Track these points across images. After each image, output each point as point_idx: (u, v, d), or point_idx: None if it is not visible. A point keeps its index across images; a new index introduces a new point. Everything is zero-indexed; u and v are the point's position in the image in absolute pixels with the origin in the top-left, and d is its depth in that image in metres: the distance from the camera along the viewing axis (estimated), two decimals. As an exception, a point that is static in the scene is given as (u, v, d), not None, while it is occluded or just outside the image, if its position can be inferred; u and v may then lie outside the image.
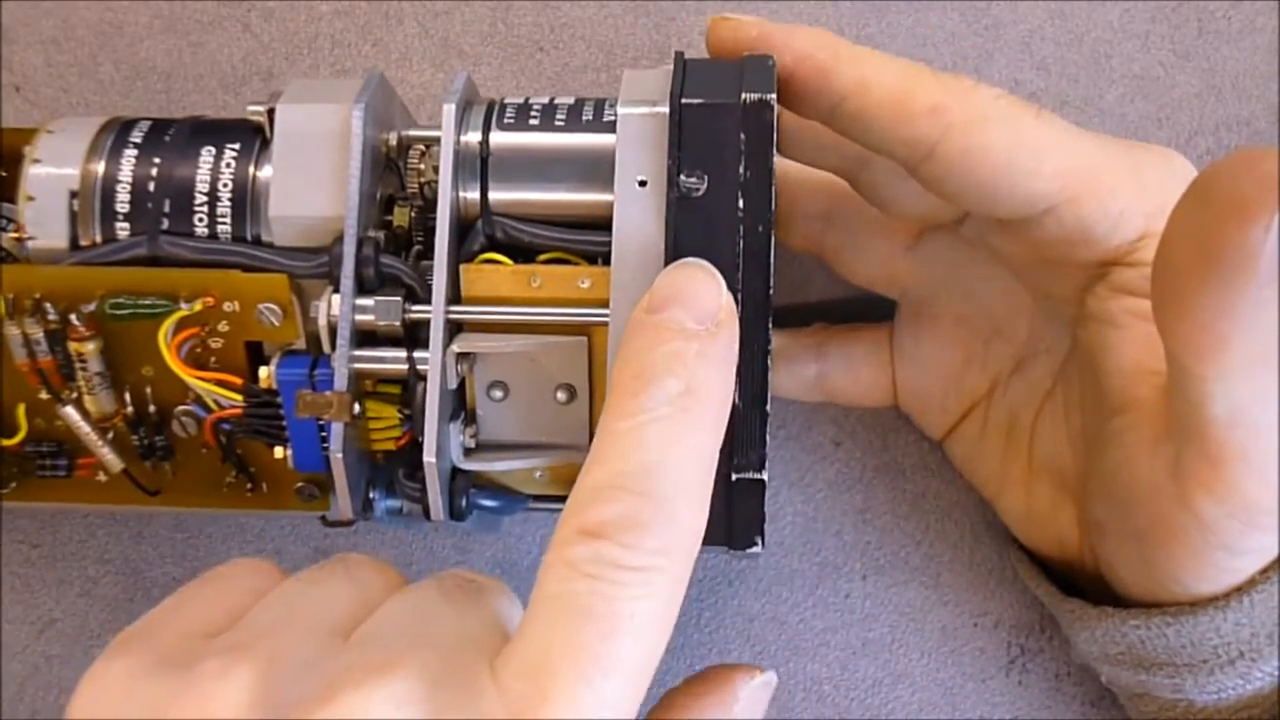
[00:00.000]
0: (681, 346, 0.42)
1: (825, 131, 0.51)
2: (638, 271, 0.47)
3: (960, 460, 0.61)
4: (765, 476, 0.47)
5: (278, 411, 0.52)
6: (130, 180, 0.52)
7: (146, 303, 0.51)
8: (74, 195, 0.52)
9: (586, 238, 0.50)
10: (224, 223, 0.52)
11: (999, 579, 0.63)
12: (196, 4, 0.66)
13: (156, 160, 0.52)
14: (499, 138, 0.51)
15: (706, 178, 0.47)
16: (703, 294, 0.44)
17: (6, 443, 0.54)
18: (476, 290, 0.51)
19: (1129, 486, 0.50)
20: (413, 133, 0.53)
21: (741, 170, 0.47)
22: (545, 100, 0.52)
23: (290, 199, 0.51)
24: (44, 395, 0.53)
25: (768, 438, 0.47)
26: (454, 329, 0.51)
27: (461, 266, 0.51)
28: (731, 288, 0.46)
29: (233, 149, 0.52)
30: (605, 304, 0.48)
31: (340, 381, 0.50)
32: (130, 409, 0.53)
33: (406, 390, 0.52)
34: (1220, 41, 0.64)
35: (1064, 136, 0.49)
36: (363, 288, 0.51)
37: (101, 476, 0.55)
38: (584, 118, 0.51)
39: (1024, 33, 0.64)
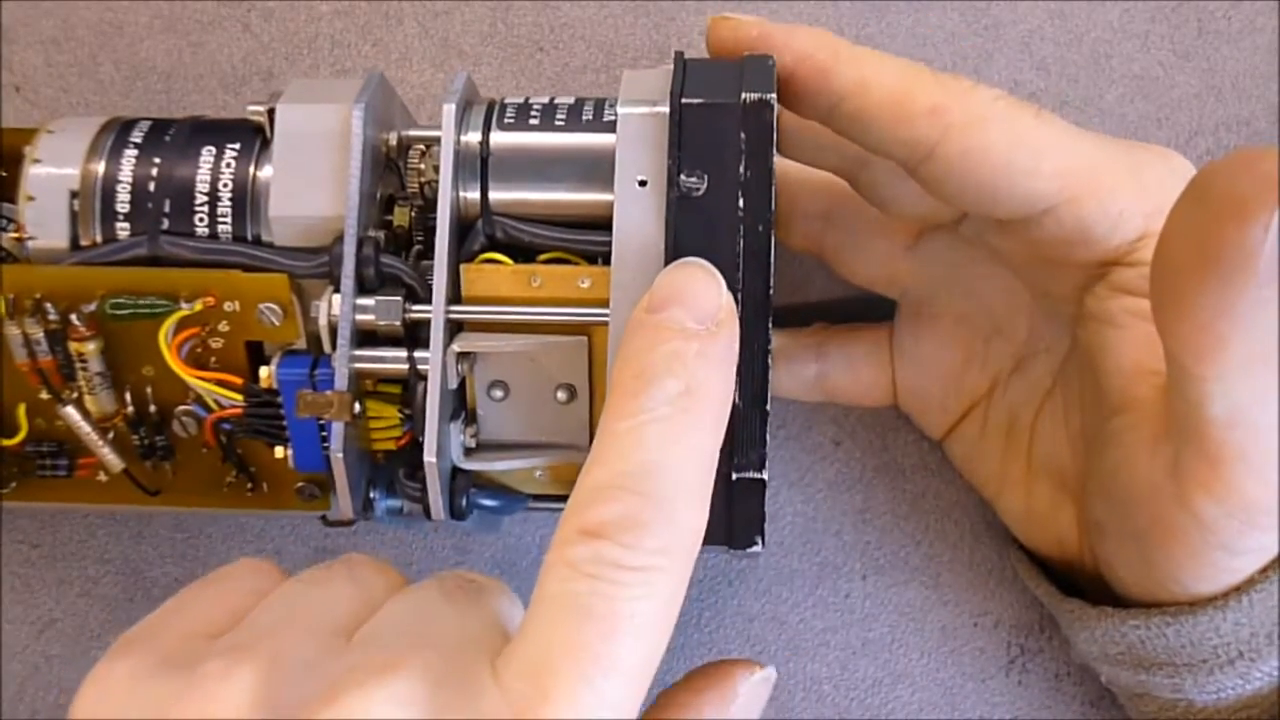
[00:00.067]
0: (681, 346, 0.42)
1: (825, 131, 0.51)
2: (638, 271, 0.47)
3: (960, 460, 0.61)
4: (765, 476, 0.47)
5: (278, 411, 0.52)
6: (130, 180, 0.52)
7: (147, 303, 0.51)
8: (74, 195, 0.52)
9: (587, 237, 0.51)
10: (224, 222, 0.52)
11: (999, 579, 0.63)
12: (196, 4, 0.66)
13: (157, 160, 0.52)
14: (499, 137, 0.51)
15: (706, 177, 0.47)
16: (702, 294, 0.44)
17: (7, 443, 0.54)
18: (477, 290, 0.51)
19: (1128, 486, 0.50)
20: (413, 133, 0.53)
21: (741, 170, 0.47)
22: (545, 100, 0.52)
23: (290, 199, 0.51)
24: (44, 395, 0.53)
25: (768, 437, 0.47)
26: (454, 329, 0.51)
27: (462, 266, 0.51)
28: (732, 287, 0.46)
29: (233, 149, 0.52)
30: (605, 304, 0.48)
31: (341, 381, 0.50)
32: (131, 409, 0.53)
33: (407, 390, 0.52)
34: (1220, 41, 0.64)
35: (1063, 137, 0.49)
36: (363, 287, 0.51)
37: (102, 476, 0.55)
38: (584, 117, 0.52)
39: (1024, 33, 0.64)
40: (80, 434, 0.53)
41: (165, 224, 0.52)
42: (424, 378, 0.50)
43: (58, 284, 0.51)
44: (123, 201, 0.52)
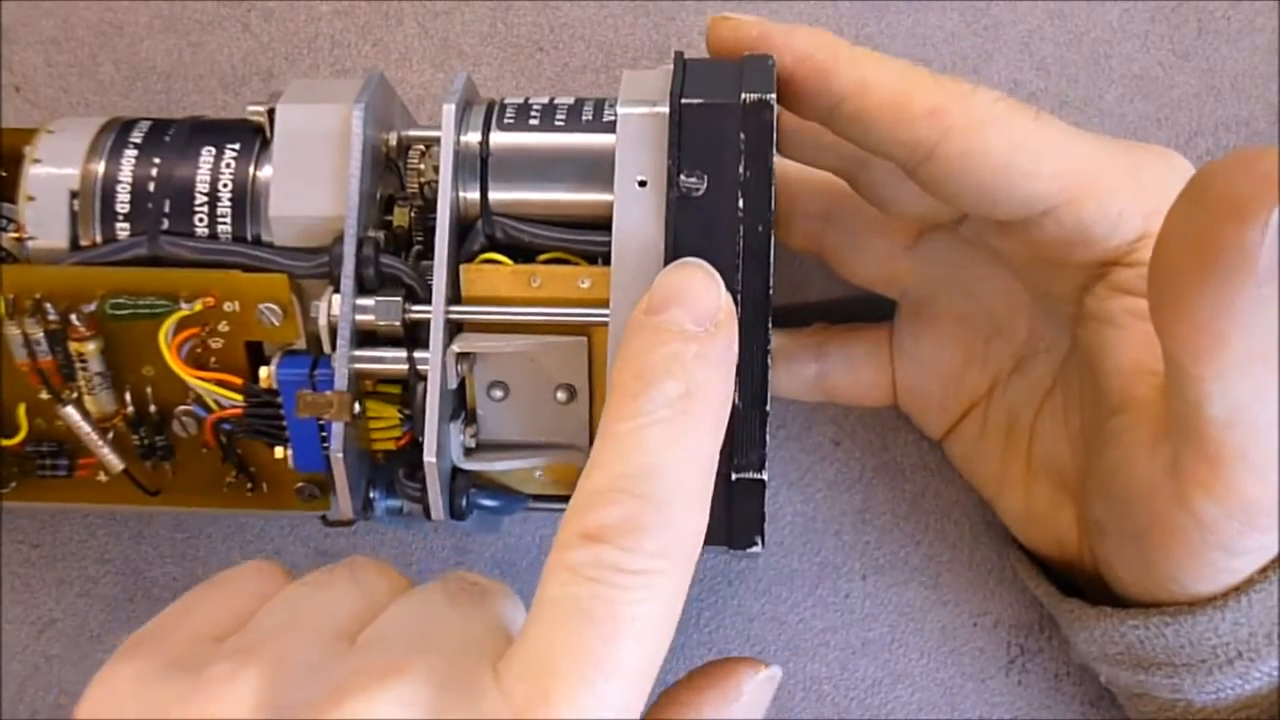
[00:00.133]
0: (680, 348, 0.42)
1: (824, 132, 0.51)
2: (637, 271, 0.47)
3: (960, 460, 0.61)
4: (765, 476, 0.47)
5: (278, 411, 0.52)
6: (130, 180, 0.52)
7: (147, 303, 0.51)
8: (74, 195, 0.52)
9: (586, 238, 0.50)
10: (224, 223, 0.52)
11: (998, 579, 0.63)
12: (196, 4, 0.66)
13: (156, 160, 0.52)
14: (499, 138, 0.51)
15: (706, 178, 0.47)
16: (701, 295, 0.44)
17: (7, 443, 0.54)
18: (476, 290, 0.51)
19: (1128, 486, 0.50)
20: (413, 133, 0.53)
21: (741, 170, 0.47)
22: (545, 100, 0.52)
23: (290, 199, 0.51)
24: (44, 395, 0.53)
25: (767, 438, 0.47)
26: (454, 329, 0.51)
27: (461, 266, 0.51)
28: (731, 288, 0.46)
29: (233, 149, 0.52)
30: (605, 304, 0.48)
31: (340, 381, 0.50)
32: (130, 409, 0.53)
33: (407, 390, 0.52)
34: (1220, 42, 0.64)
35: (1062, 138, 0.49)
36: (363, 288, 0.51)
37: (102, 476, 0.55)
38: (584, 118, 0.51)
39: (1023, 33, 0.64)
40: (80, 434, 0.53)
41: (165, 224, 0.52)
42: (424, 378, 0.50)
43: (58, 284, 0.51)
44: (123, 201, 0.52)
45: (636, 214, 0.48)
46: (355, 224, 0.50)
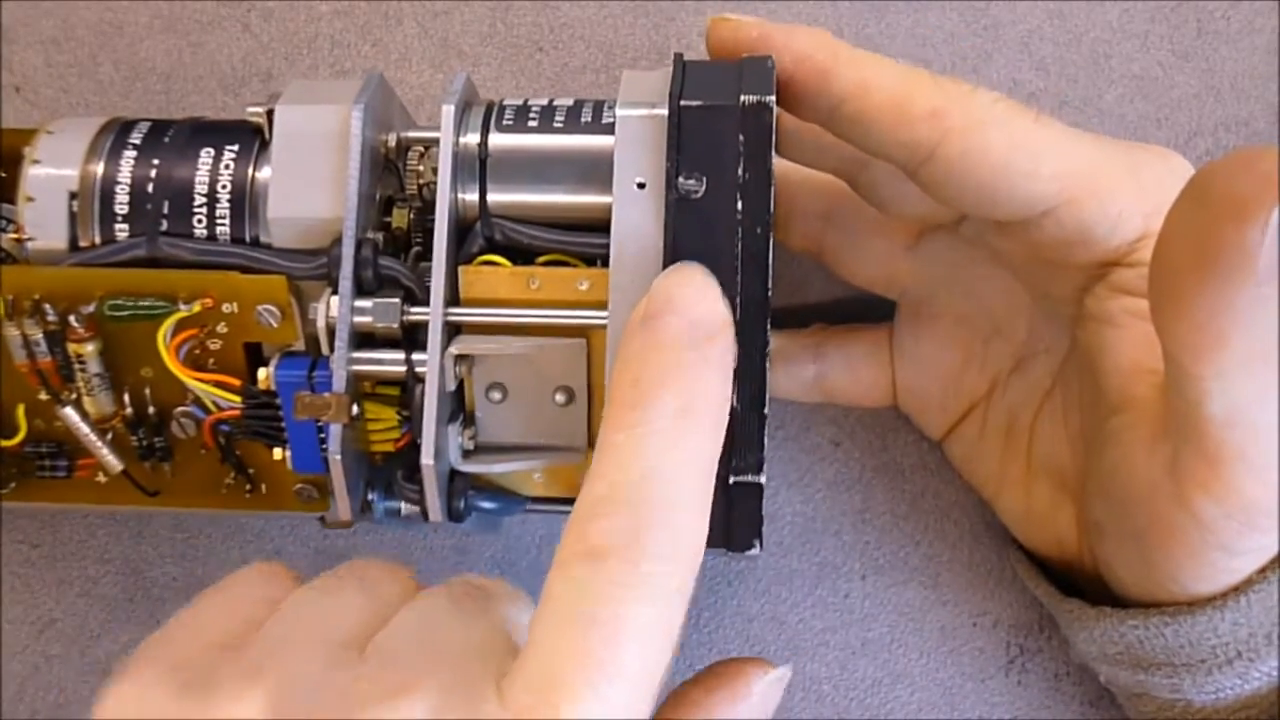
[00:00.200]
0: (677, 355, 0.42)
1: (824, 133, 0.51)
2: (636, 274, 0.47)
3: (959, 460, 0.61)
4: (763, 479, 0.47)
5: (276, 413, 0.52)
6: (129, 181, 0.52)
7: (145, 304, 0.51)
8: (73, 196, 0.52)
9: (585, 240, 0.51)
10: (223, 224, 0.52)
11: (998, 579, 0.63)
12: (196, 4, 0.66)
13: (155, 161, 0.52)
14: (498, 139, 0.51)
15: (705, 180, 0.47)
16: (698, 300, 0.44)
17: (6, 443, 0.54)
18: (475, 292, 0.51)
19: (1127, 486, 0.50)
20: (412, 134, 0.53)
21: (740, 172, 0.46)
22: (544, 102, 0.52)
23: (289, 200, 0.51)
24: (43, 396, 0.53)
25: (766, 440, 0.47)
26: (452, 331, 0.51)
27: (460, 268, 0.51)
28: (730, 290, 0.46)
29: (231, 150, 0.52)
30: (604, 306, 0.48)
31: (338, 383, 0.50)
32: (129, 410, 0.53)
33: (405, 392, 0.52)
34: (1219, 42, 0.64)
35: (1062, 139, 0.49)
36: (361, 289, 0.50)
37: (101, 477, 0.55)
38: (583, 119, 0.51)
39: (1023, 33, 0.64)
40: (79, 435, 0.53)
41: (164, 225, 0.52)
42: (422, 380, 0.50)
43: (56, 285, 0.51)
44: (121, 203, 0.52)
45: (635, 216, 0.48)
46: (354, 225, 0.50)
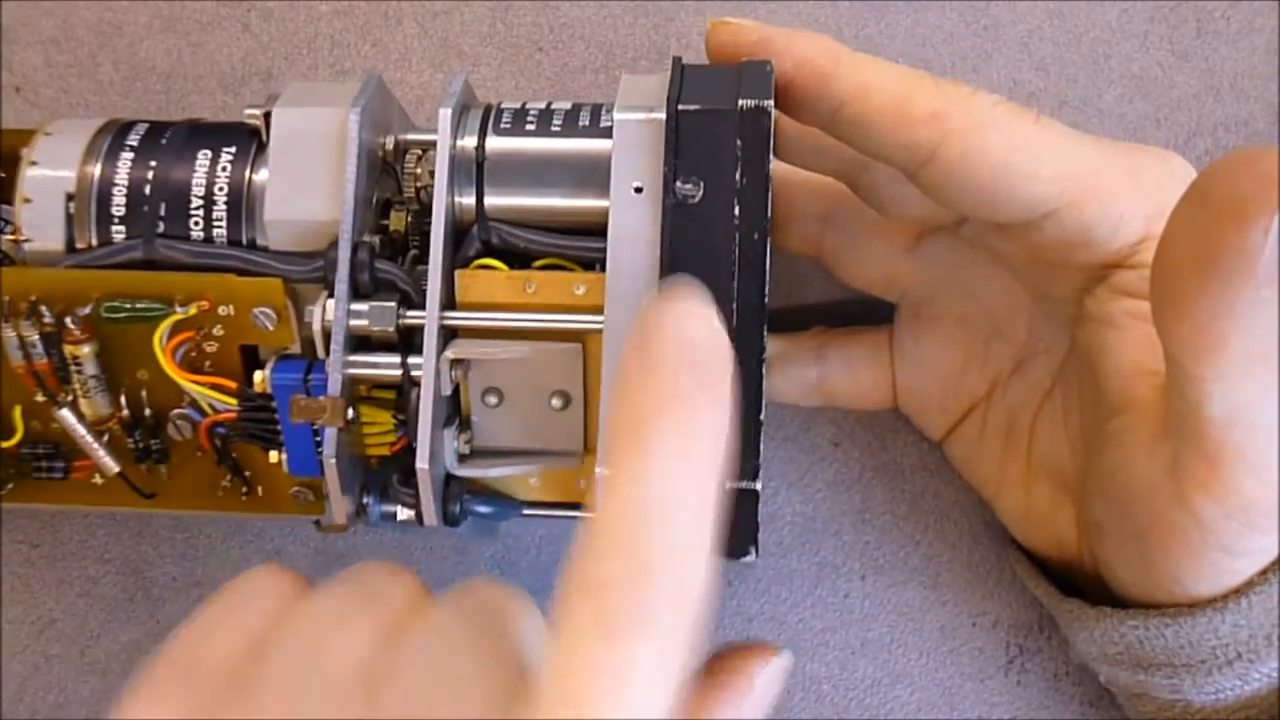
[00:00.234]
0: (674, 383, 0.40)
1: (824, 136, 0.51)
2: (633, 278, 0.47)
3: (959, 461, 0.61)
4: (759, 486, 0.47)
5: (272, 416, 0.52)
6: (126, 183, 0.52)
7: (142, 306, 0.51)
8: (70, 198, 0.52)
9: (582, 244, 0.51)
10: (219, 226, 0.52)
11: (998, 579, 0.63)
12: (196, 4, 0.66)
13: (153, 163, 0.52)
14: (495, 143, 0.51)
15: (702, 184, 0.47)
16: (694, 327, 0.42)
17: (3, 445, 0.54)
18: (471, 296, 0.51)
19: (1127, 487, 0.50)
20: (410, 136, 0.53)
21: (738, 177, 0.46)
22: (541, 105, 0.52)
23: (286, 203, 0.51)
24: (40, 398, 0.53)
25: (762, 447, 0.47)
26: (449, 335, 0.51)
27: (457, 272, 0.51)
28: (726, 296, 0.46)
29: (229, 152, 0.52)
30: (600, 310, 0.48)
31: (334, 386, 0.50)
32: (126, 412, 0.53)
33: (401, 396, 0.52)
34: (1219, 42, 0.64)
35: (1062, 141, 0.49)
36: (358, 292, 0.50)
37: (98, 479, 0.55)
38: (580, 123, 0.51)
39: (1023, 33, 0.64)
40: (75, 437, 0.53)
41: (161, 227, 0.52)
42: (418, 384, 0.50)
43: (53, 286, 0.51)
44: (118, 204, 0.52)
45: (632, 220, 0.48)
46: (350, 228, 0.50)
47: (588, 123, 0.51)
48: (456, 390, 0.52)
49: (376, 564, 0.46)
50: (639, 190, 0.48)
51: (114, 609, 0.64)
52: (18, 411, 0.54)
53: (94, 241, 0.52)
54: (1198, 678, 0.51)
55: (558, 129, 0.51)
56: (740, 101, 0.46)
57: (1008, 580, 0.63)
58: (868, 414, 0.64)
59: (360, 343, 0.51)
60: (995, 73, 0.64)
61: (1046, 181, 0.48)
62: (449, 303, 0.51)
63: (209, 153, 0.52)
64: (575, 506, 0.55)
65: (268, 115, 0.52)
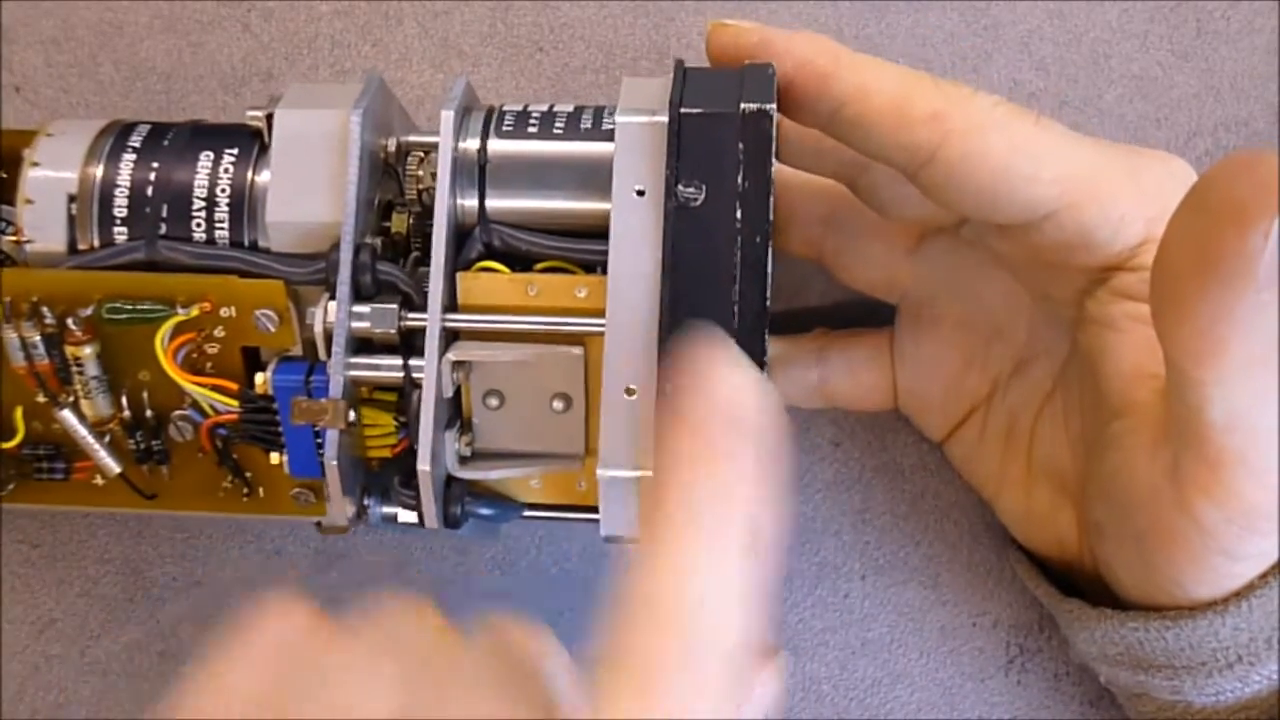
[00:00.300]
0: (711, 445, 0.39)
1: (824, 137, 0.51)
2: (634, 281, 0.47)
3: (960, 462, 0.61)
4: None
5: (274, 417, 0.52)
6: (128, 184, 0.52)
7: (143, 307, 0.51)
8: (72, 199, 0.52)
9: (584, 247, 0.51)
10: (221, 228, 0.52)
11: (998, 579, 0.63)
12: (196, 4, 0.66)
13: (155, 164, 0.52)
14: (497, 145, 0.51)
15: (705, 188, 0.47)
16: (731, 386, 0.39)
17: (5, 445, 0.54)
18: (473, 298, 0.51)
19: (1128, 489, 0.50)
20: (411, 138, 0.53)
21: (740, 180, 0.46)
22: (544, 108, 0.52)
23: (288, 204, 0.51)
24: (41, 399, 0.53)
25: None
26: (450, 337, 0.51)
27: (458, 274, 0.51)
28: (728, 298, 0.46)
29: (231, 154, 0.52)
30: (602, 314, 0.48)
31: (336, 388, 0.50)
32: (127, 413, 0.53)
33: (402, 398, 0.52)
34: (1219, 42, 0.64)
35: (1063, 142, 0.49)
36: (359, 294, 0.51)
37: (99, 480, 0.55)
38: (582, 126, 0.51)
39: (1023, 33, 0.64)
40: (76, 438, 0.53)
41: (163, 228, 0.52)
42: (419, 386, 0.50)
43: (55, 287, 0.51)
44: (120, 205, 0.52)
45: (634, 223, 0.48)
46: (352, 230, 0.50)
47: (590, 125, 0.51)
48: (458, 392, 0.52)
49: (399, 601, 0.44)
50: (641, 193, 0.48)
51: (114, 609, 0.64)
52: (19, 412, 0.53)
53: (96, 243, 0.52)
54: (1198, 679, 0.51)
55: (560, 131, 0.51)
56: (742, 105, 0.46)
57: (1008, 580, 0.63)
58: (868, 414, 0.64)
59: (362, 345, 0.51)
60: (995, 73, 0.64)
61: (1047, 183, 0.48)
62: (451, 305, 0.51)
63: (211, 154, 0.52)
64: (576, 508, 0.55)
65: (270, 117, 0.52)
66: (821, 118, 0.50)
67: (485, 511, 0.53)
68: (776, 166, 0.47)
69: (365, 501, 0.53)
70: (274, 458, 0.53)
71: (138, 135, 0.53)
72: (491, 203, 0.51)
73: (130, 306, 0.51)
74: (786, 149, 0.54)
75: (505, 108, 0.52)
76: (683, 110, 0.47)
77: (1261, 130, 0.63)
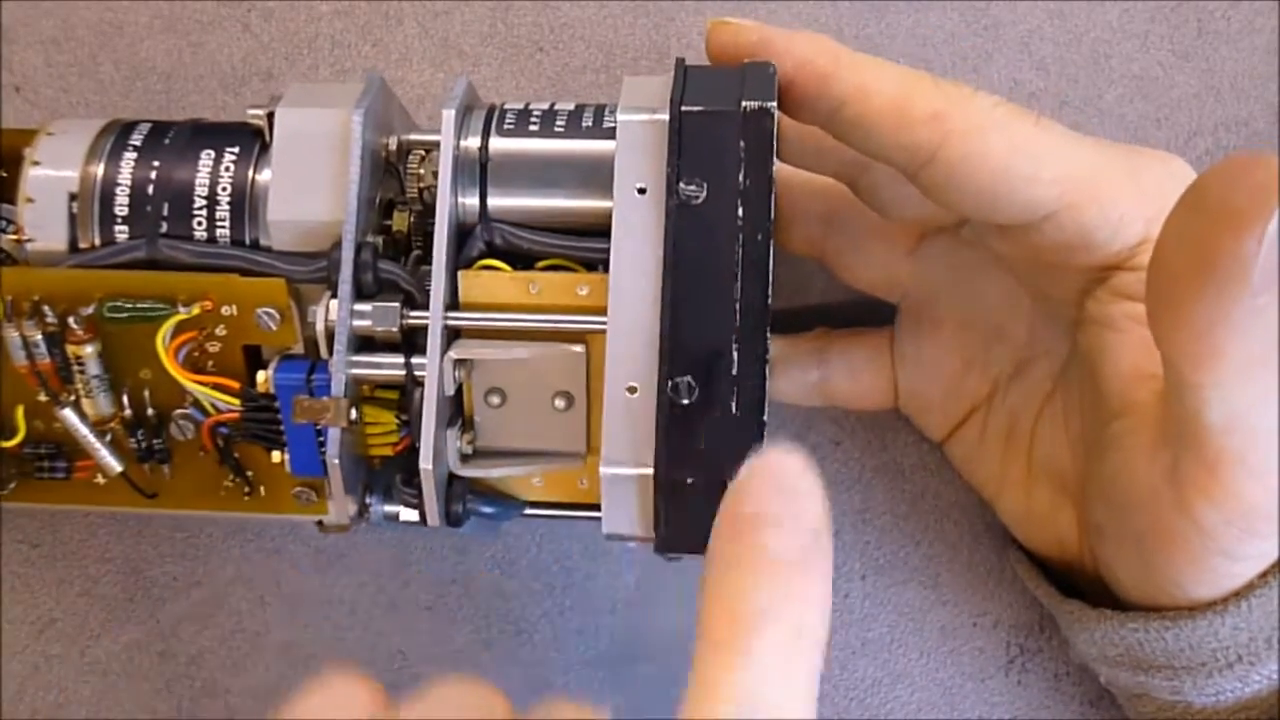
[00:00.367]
0: (783, 576, 0.38)
1: (825, 137, 0.51)
2: (636, 279, 0.47)
3: (960, 462, 0.61)
4: None
5: (275, 416, 0.52)
6: (129, 183, 0.52)
7: (144, 306, 0.51)
8: (73, 198, 0.52)
9: (585, 245, 0.51)
10: (223, 226, 0.52)
11: (998, 579, 0.63)
12: (196, 4, 0.66)
13: (156, 163, 0.52)
14: (498, 143, 0.51)
15: (706, 186, 0.47)
16: (806, 506, 0.39)
17: (5, 444, 0.54)
18: (475, 296, 0.51)
19: (1128, 490, 0.50)
20: (413, 137, 0.53)
21: (741, 178, 0.46)
22: (545, 106, 0.52)
23: (289, 203, 0.51)
24: (42, 397, 0.53)
25: (764, 448, 0.47)
26: (452, 335, 0.51)
27: (460, 272, 0.51)
28: (729, 297, 0.46)
29: (232, 152, 0.52)
30: (603, 311, 0.48)
31: (337, 387, 0.50)
32: (128, 412, 0.53)
33: (404, 396, 0.52)
34: (1219, 42, 0.64)
35: (1063, 142, 0.49)
36: (361, 293, 0.50)
37: (100, 479, 0.55)
38: (584, 124, 0.51)
39: (1023, 33, 0.64)
40: (78, 436, 0.53)
41: (164, 227, 0.52)
42: (421, 384, 0.50)
43: (56, 286, 0.51)
44: (121, 204, 0.52)
45: (636, 221, 0.48)
46: (354, 229, 0.50)
47: (591, 124, 0.51)
48: (459, 390, 0.52)
49: (464, 684, 0.44)
50: (642, 191, 0.48)
51: (114, 609, 0.64)
52: (20, 411, 0.53)
53: (97, 241, 0.52)
54: (1198, 680, 0.51)
55: (561, 130, 0.51)
56: (743, 103, 0.46)
57: (1008, 580, 0.63)
58: (868, 414, 0.64)
59: (363, 343, 0.51)
60: (996, 73, 0.64)
61: (1047, 183, 0.48)
62: (452, 303, 0.51)
63: (212, 153, 0.52)
64: (578, 506, 0.55)
65: (271, 115, 0.52)
66: (821, 117, 0.50)
67: (487, 510, 0.53)
68: (777, 165, 0.47)
69: (367, 500, 0.53)
70: (275, 456, 0.53)
71: (139, 134, 0.53)
72: (493, 201, 0.51)
73: (131, 305, 0.51)
74: (787, 148, 0.54)
75: (506, 106, 0.52)
76: (684, 108, 0.47)
77: (1261, 130, 0.64)
